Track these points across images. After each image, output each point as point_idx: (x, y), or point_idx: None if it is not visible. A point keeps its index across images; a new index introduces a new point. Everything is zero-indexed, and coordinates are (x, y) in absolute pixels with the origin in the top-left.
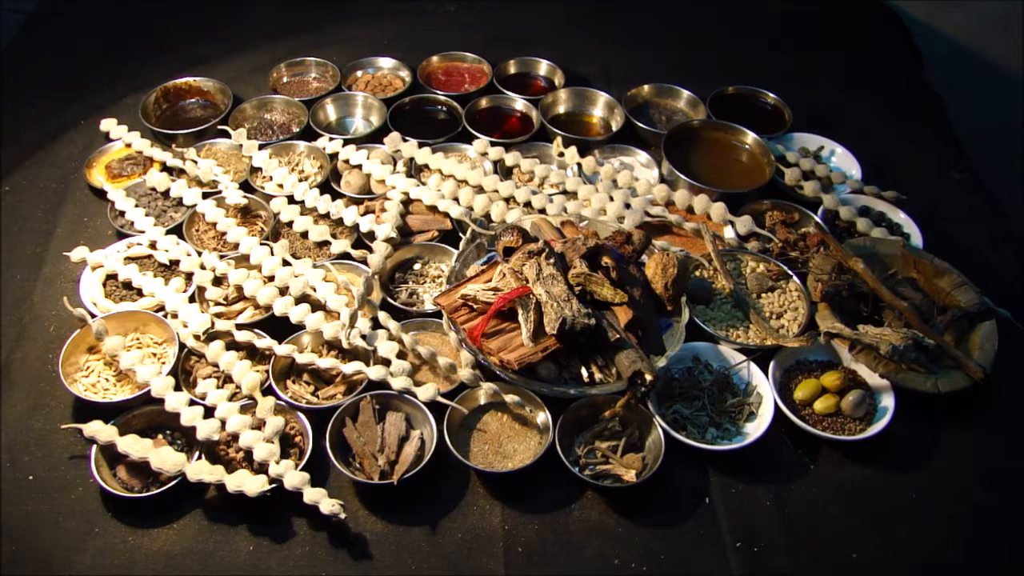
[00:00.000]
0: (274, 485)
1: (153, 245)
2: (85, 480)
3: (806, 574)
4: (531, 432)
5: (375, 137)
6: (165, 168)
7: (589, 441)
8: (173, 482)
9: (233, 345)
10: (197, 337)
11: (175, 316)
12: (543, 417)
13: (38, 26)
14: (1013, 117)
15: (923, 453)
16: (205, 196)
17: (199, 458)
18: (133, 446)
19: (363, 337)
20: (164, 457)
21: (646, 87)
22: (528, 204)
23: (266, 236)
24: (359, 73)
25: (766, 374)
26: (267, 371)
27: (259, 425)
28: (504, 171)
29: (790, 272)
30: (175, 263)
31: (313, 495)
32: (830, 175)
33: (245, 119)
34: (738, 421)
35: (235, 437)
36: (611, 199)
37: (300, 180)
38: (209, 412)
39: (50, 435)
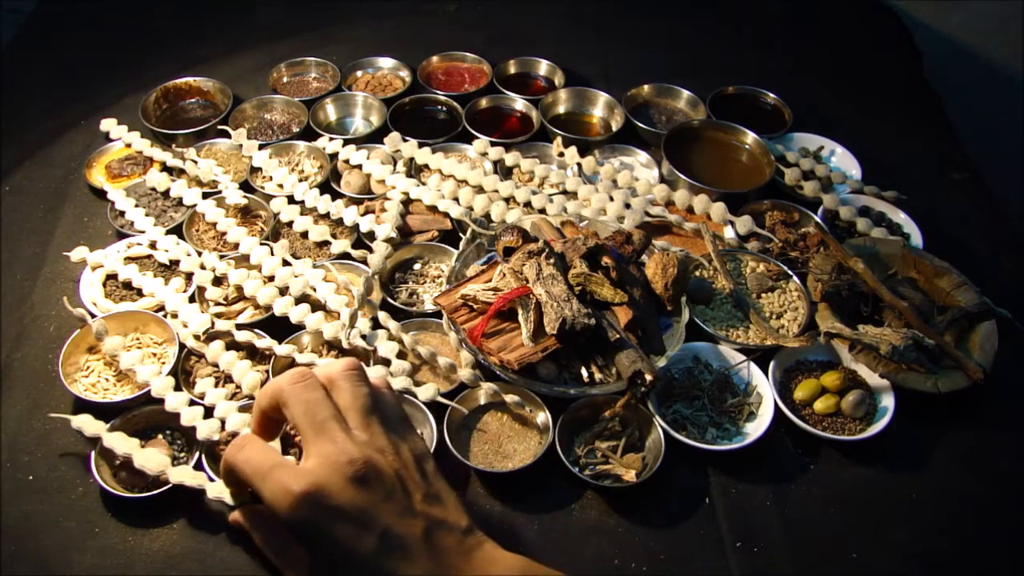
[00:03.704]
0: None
1: (153, 245)
2: (85, 480)
3: (806, 574)
4: (531, 432)
5: (375, 137)
6: (165, 168)
7: (589, 441)
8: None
9: (233, 345)
10: (197, 337)
11: (175, 316)
12: (543, 417)
13: (38, 26)
14: (1013, 117)
15: (923, 453)
16: (205, 196)
17: (199, 458)
18: (119, 443)
19: (363, 337)
20: (148, 456)
21: (646, 87)
22: (528, 204)
23: (266, 236)
24: (359, 73)
25: (766, 374)
26: (267, 371)
27: None
28: (504, 171)
29: (790, 272)
30: (175, 263)
31: None
32: (830, 175)
33: (245, 119)
34: (738, 421)
35: (235, 436)
36: (611, 199)
37: (300, 180)
38: (209, 412)
39: (50, 435)
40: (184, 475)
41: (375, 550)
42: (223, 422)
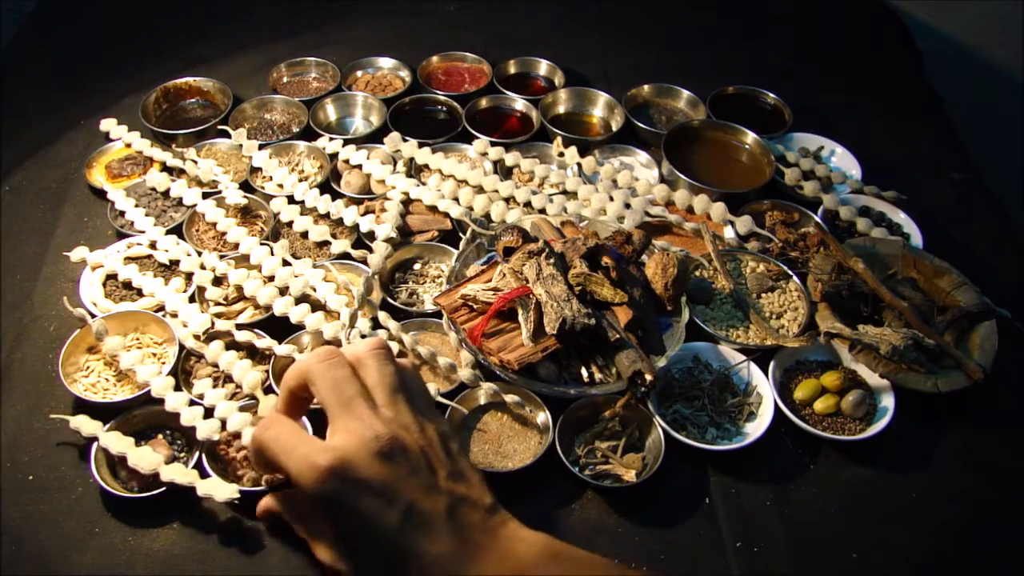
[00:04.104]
0: (238, 496)
1: (153, 245)
2: (85, 480)
3: (806, 574)
4: (531, 432)
5: (375, 137)
6: (165, 168)
7: (589, 441)
8: None
9: (233, 345)
10: (197, 337)
11: (175, 316)
12: (543, 417)
13: (38, 26)
14: (1013, 117)
15: (923, 453)
16: (205, 196)
17: (199, 458)
18: (114, 443)
19: (363, 337)
20: (141, 455)
21: (646, 87)
22: (528, 204)
23: (266, 236)
24: (359, 73)
25: (766, 374)
26: (267, 371)
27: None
28: (504, 171)
29: (790, 272)
30: (175, 263)
31: None
32: (830, 175)
33: (245, 119)
34: (738, 421)
35: (237, 435)
36: (611, 199)
37: (300, 180)
38: (209, 412)
39: (50, 435)
40: (175, 473)
41: (399, 524)
42: (224, 422)
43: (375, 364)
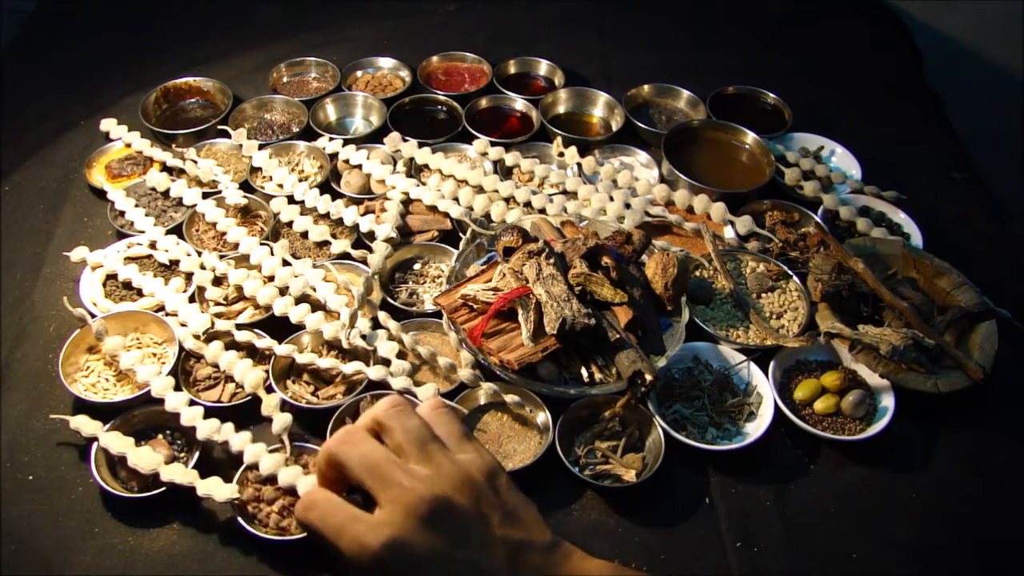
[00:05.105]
0: (238, 496)
1: (153, 245)
2: (85, 480)
3: (806, 574)
4: (531, 432)
5: (375, 137)
6: (165, 168)
7: (589, 441)
8: None
9: (233, 345)
10: (197, 337)
11: (175, 316)
12: (543, 417)
13: (38, 26)
14: (1013, 117)
15: (923, 453)
16: (205, 196)
17: (199, 458)
18: (114, 443)
19: (363, 337)
20: (141, 455)
21: (646, 87)
22: (528, 204)
23: (266, 236)
24: (359, 73)
25: (766, 374)
26: (267, 371)
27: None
28: (504, 171)
29: (790, 272)
30: (175, 263)
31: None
32: (830, 175)
33: (245, 119)
34: (738, 421)
35: (270, 481)
36: (611, 199)
37: (300, 180)
38: (209, 412)
39: (50, 435)
40: (175, 473)
41: None
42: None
43: (397, 424)
